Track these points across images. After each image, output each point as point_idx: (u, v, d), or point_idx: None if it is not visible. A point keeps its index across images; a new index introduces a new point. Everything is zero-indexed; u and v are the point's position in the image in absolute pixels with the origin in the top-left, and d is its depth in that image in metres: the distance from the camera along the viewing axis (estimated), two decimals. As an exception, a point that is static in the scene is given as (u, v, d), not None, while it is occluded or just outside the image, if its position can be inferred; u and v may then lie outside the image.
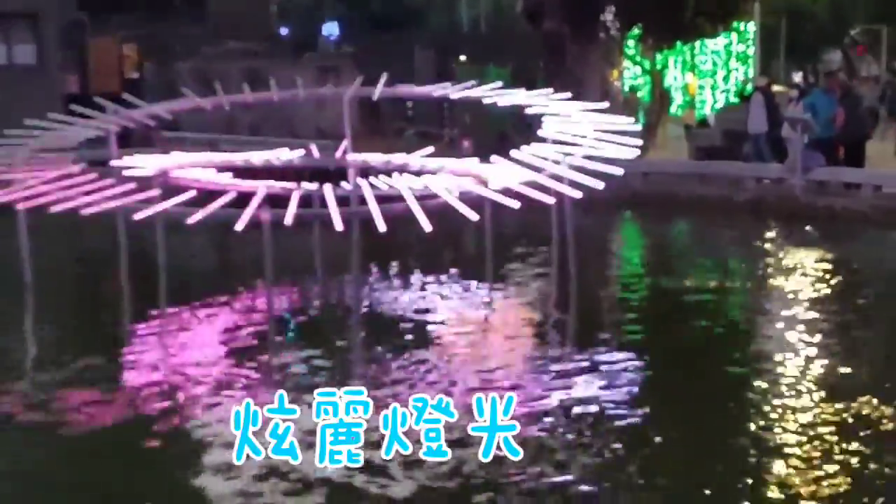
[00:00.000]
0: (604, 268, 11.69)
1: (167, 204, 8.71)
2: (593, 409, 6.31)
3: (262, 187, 8.98)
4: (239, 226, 8.06)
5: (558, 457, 5.58)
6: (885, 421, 6.01)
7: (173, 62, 20.80)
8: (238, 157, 11.65)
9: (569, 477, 5.32)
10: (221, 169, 11.63)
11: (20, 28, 20.54)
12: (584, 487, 5.22)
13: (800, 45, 39.38)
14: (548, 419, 6.13)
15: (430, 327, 8.53)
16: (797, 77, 30.83)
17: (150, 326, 8.69)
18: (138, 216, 8.54)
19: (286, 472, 5.24)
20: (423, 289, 10.20)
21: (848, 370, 7.09)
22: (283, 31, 34.84)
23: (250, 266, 9.71)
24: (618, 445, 5.75)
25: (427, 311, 9.25)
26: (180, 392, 6.79)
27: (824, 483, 5.16)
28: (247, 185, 10.66)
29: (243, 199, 8.71)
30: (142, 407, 6.48)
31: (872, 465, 5.38)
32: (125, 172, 10.15)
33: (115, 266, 10.28)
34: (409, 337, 8.17)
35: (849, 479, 5.21)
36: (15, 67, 20.34)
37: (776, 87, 21.30)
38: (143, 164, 10.31)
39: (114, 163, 10.44)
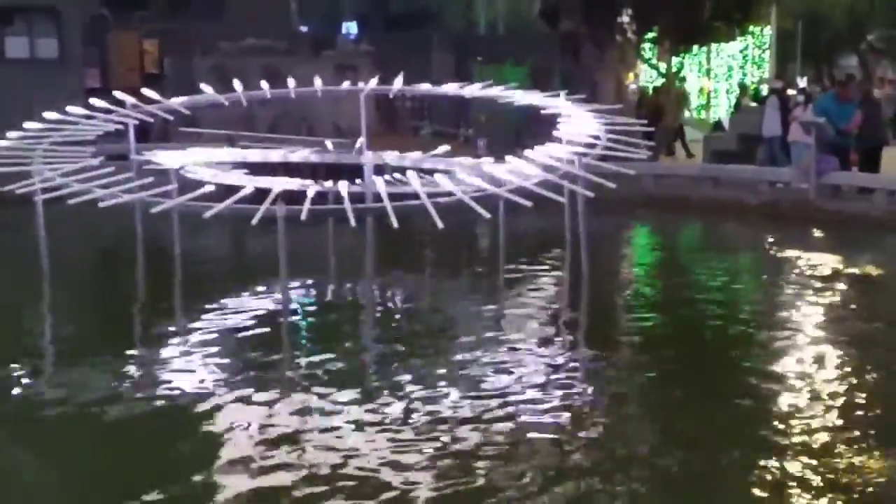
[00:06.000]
0: (612, 268, 11.74)
1: (184, 198, 8.81)
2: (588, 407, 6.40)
3: (277, 183, 9.08)
4: (254, 221, 8.17)
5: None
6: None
7: (193, 58, 20.92)
8: (255, 154, 11.77)
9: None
10: (238, 164, 11.75)
11: (42, 22, 20.75)
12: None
13: (816, 50, 39.27)
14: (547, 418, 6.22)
15: (437, 325, 8.62)
16: (802, 81, 30.71)
17: (165, 319, 8.82)
18: (155, 210, 8.64)
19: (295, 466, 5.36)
20: (433, 285, 10.30)
21: (858, 373, 7.13)
22: (303, 28, 34.95)
23: (265, 260, 9.83)
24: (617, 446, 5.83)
25: (436, 307, 9.34)
26: (191, 385, 6.89)
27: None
28: (263, 181, 10.79)
29: (260, 195, 8.82)
30: (154, 397, 6.58)
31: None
32: (143, 166, 10.29)
33: (132, 258, 10.43)
34: (415, 333, 8.26)
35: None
36: (37, 61, 20.54)
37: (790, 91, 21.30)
38: (161, 158, 10.44)
39: (132, 156, 10.58)
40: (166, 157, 10.47)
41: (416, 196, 8.65)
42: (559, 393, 6.64)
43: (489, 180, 9.70)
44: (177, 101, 11.37)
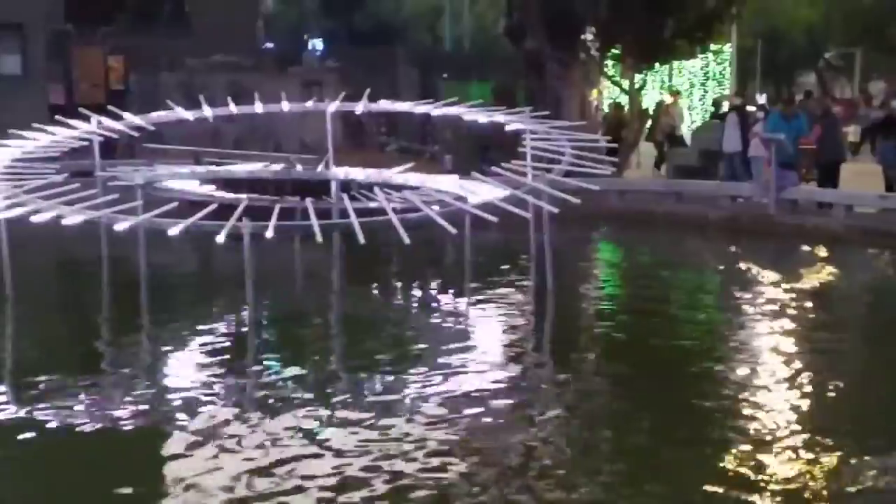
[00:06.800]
0: (577, 282, 11.84)
1: (149, 215, 8.81)
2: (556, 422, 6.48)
3: (244, 200, 9.12)
4: (220, 238, 8.18)
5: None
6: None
7: (158, 74, 20.88)
8: (221, 170, 11.78)
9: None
10: (204, 181, 11.76)
11: (6, 38, 20.59)
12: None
13: (775, 67, 40.00)
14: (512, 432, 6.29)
15: (403, 340, 8.68)
16: (762, 98, 31.33)
17: (130, 337, 8.80)
18: (120, 227, 8.61)
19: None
20: (400, 301, 10.36)
21: (816, 383, 7.28)
22: (269, 45, 34.97)
23: (231, 277, 9.83)
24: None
25: (402, 322, 9.40)
26: (158, 403, 6.89)
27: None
28: (229, 197, 10.81)
29: (226, 211, 8.84)
30: (119, 417, 6.57)
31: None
32: (108, 183, 10.28)
33: (97, 276, 10.39)
34: (382, 349, 8.32)
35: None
36: (0, 77, 20.39)
37: (750, 108, 21.65)
38: (127, 174, 10.43)
39: (97, 173, 10.56)
40: (131, 174, 10.46)
41: (382, 212, 8.72)
42: (523, 405, 6.71)
43: (455, 196, 9.81)
44: (142, 118, 11.37)
